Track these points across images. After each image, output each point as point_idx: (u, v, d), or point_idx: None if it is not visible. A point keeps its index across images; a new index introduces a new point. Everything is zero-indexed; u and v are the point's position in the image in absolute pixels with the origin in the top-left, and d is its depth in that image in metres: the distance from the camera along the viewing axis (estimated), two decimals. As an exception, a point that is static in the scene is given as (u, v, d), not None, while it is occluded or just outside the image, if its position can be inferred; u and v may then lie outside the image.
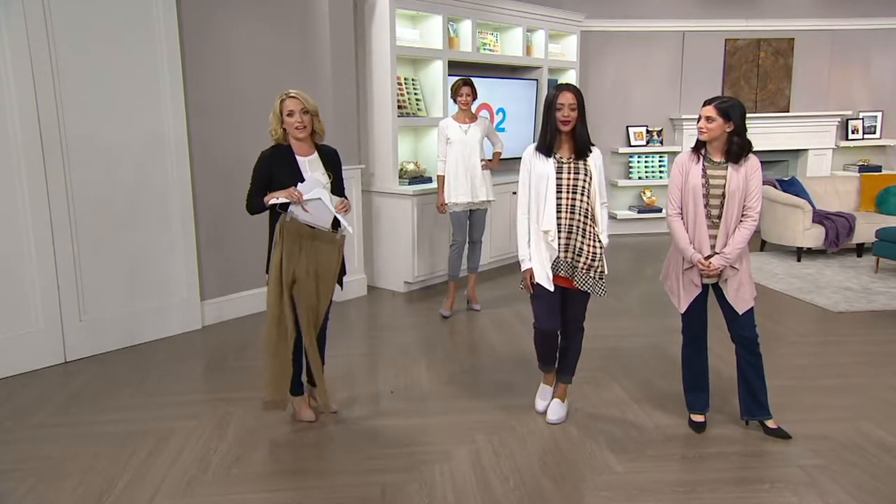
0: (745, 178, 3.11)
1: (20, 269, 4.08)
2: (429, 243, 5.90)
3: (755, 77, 8.49)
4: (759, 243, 7.45)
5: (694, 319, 3.29)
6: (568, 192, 3.19)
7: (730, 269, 3.17)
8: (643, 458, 3.10)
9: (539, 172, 3.23)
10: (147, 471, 3.00)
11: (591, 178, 3.19)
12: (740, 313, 3.20)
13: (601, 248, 3.24)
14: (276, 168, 3.28)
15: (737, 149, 3.11)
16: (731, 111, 3.07)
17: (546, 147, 3.22)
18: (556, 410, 3.47)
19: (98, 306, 4.42)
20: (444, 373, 4.12)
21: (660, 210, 8.53)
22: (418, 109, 6.18)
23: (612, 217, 8.46)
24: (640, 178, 8.50)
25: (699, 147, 3.20)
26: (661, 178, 8.53)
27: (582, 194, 3.18)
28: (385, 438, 3.32)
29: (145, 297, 4.66)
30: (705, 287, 3.26)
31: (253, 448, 3.21)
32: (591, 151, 3.23)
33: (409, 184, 5.90)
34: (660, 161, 8.52)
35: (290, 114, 3.23)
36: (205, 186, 4.92)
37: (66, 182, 4.19)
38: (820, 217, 6.93)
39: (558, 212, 3.19)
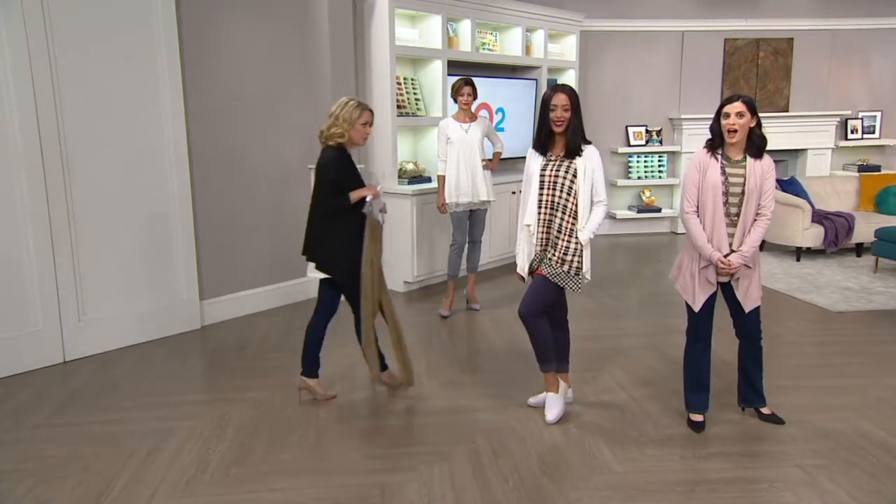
0: (762, 176, 3.15)
1: (19, 270, 4.07)
2: (428, 243, 5.90)
3: (754, 77, 8.50)
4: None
5: (703, 318, 3.30)
6: (549, 189, 3.30)
7: (744, 267, 3.20)
8: (642, 458, 3.10)
9: (529, 170, 3.40)
10: (146, 471, 3.00)
11: (575, 176, 3.25)
12: (747, 311, 3.26)
13: (577, 244, 3.28)
14: (347, 168, 3.50)
15: (759, 142, 3.15)
16: (755, 106, 3.14)
17: (540, 146, 3.36)
18: (552, 407, 3.45)
19: (97, 306, 4.42)
20: (443, 373, 4.12)
21: (659, 210, 8.54)
22: (418, 109, 6.18)
23: (611, 217, 8.46)
24: (639, 177, 8.50)
25: (716, 146, 3.19)
26: (660, 177, 8.54)
27: (561, 190, 3.28)
28: (384, 438, 3.32)
29: (144, 296, 4.65)
30: (716, 285, 3.28)
31: (252, 448, 3.21)
32: (582, 151, 3.29)
33: (409, 183, 5.89)
34: (659, 161, 8.52)
35: (368, 124, 3.51)
36: (204, 186, 4.92)
37: (66, 182, 4.19)
38: (819, 217, 6.93)
39: (539, 207, 3.33)
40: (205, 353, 4.51)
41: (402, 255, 5.84)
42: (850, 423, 3.41)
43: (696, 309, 3.26)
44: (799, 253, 6.96)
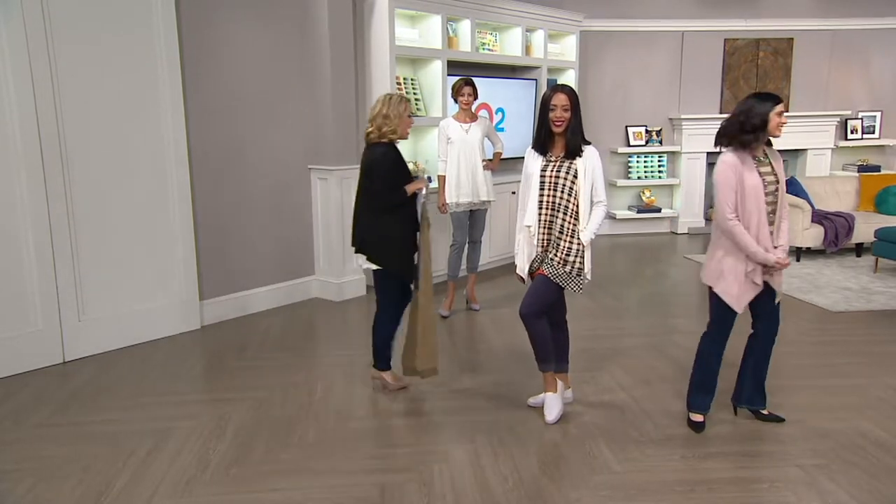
0: (782, 167, 3.22)
1: (19, 270, 4.07)
2: (428, 243, 5.89)
3: (754, 77, 8.50)
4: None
5: (732, 322, 3.29)
6: (550, 190, 3.30)
7: None
8: (642, 458, 3.10)
9: (528, 171, 3.39)
10: (146, 471, 3.00)
11: (576, 177, 3.25)
12: (777, 301, 3.30)
13: (579, 244, 3.27)
14: (401, 163, 3.67)
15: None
16: None
17: (540, 146, 3.35)
18: (551, 407, 3.44)
19: (97, 306, 4.42)
20: (442, 372, 4.11)
21: (659, 210, 8.54)
22: (417, 109, 6.18)
23: (611, 217, 8.45)
24: (639, 177, 8.50)
25: (757, 144, 3.14)
26: (660, 178, 8.54)
27: (562, 191, 3.27)
28: (384, 438, 3.32)
29: (144, 297, 4.65)
30: None
31: (251, 448, 3.21)
32: (582, 152, 3.29)
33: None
34: (659, 161, 8.52)
35: (411, 116, 3.67)
36: (204, 186, 4.92)
37: (65, 182, 4.19)
38: (819, 217, 6.93)
39: (540, 208, 3.32)
40: (205, 354, 4.51)
41: (401, 255, 5.83)
42: (850, 423, 3.41)
43: (741, 311, 3.24)
44: (799, 253, 6.97)
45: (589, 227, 3.30)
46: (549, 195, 3.30)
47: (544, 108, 3.27)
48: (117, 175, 4.44)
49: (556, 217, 3.30)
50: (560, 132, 3.27)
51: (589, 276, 3.36)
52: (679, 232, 8.59)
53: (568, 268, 3.28)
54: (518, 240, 3.45)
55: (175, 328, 4.83)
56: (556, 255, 3.30)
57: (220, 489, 2.87)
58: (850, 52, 8.63)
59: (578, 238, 3.28)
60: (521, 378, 3.98)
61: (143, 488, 2.86)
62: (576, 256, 3.28)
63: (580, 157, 3.28)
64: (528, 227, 3.34)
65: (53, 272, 4.19)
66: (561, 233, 3.29)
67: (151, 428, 3.40)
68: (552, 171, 3.29)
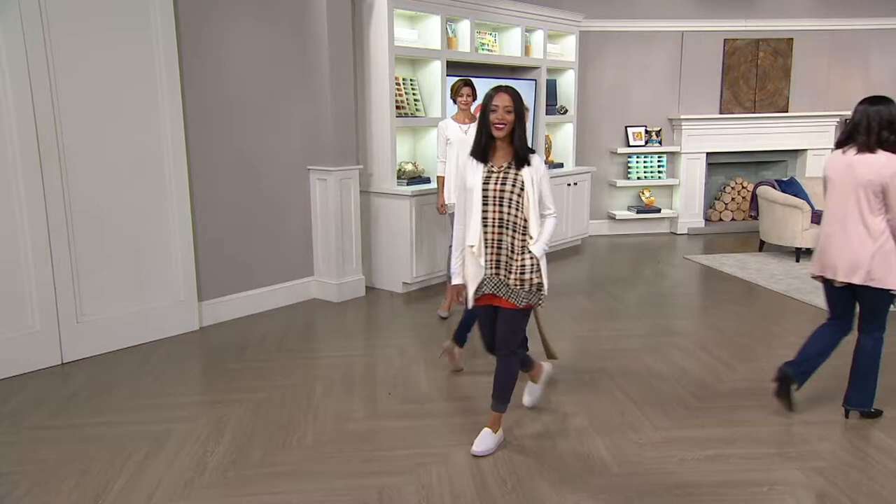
0: None
1: (17, 271, 4.06)
2: (427, 244, 5.89)
3: (754, 77, 8.49)
4: (758, 244, 7.45)
5: None
6: (495, 205, 3.00)
7: None
8: (641, 461, 3.09)
9: (468, 183, 3.06)
10: (143, 473, 3.00)
11: (522, 190, 2.98)
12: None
13: (532, 259, 3.02)
14: None
15: None
16: None
17: (480, 152, 3.05)
18: (482, 440, 3.16)
19: (95, 307, 4.41)
20: (441, 374, 4.12)
21: (659, 210, 8.53)
22: (416, 110, 6.17)
23: (611, 217, 8.46)
24: (638, 178, 8.50)
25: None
26: (659, 178, 8.53)
27: (510, 206, 2.99)
28: (382, 440, 3.31)
29: (143, 298, 4.65)
30: None
31: (250, 450, 3.20)
32: (529, 161, 3.02)
33: (408, 184, 5.89)
34: (658, 161, 8.52)
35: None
36: (202, 186, 4.92)
37: (63, 183, 4.18)
38: (819, 217, 6.92)
39: (484, 226, 3.02)
40: (203, 355, 4.50)
41: (400, 255, 5.84)
42: (850, 426, 3.40)
43: None
44: (798, 254, 6.96)
45: (541, 238, 3.03)
46: (494, 211, 2.99)
47: (485, 110, 2.98)
48: (115, 175, 4.43)
49: (505, 235, 3.01)
50: (501, 136, 2.98)
51: (545, 292, 3.11)
52: (679, 232, 8.59)
53: (527, 286, 3.02)
54: (458, 257, 3.13)
55: (174, 329, 4.82)
56: (510, 277, 3.02)
57: (218, 492, 2.86)
58: (850, 53, 8.63)
59: (531, 253, 3.02)
60: (519, 379, 3.96)
61: (140, 491, 2.86)
62: (531, 273, 3.01)
63: (528, 165, 3.00)
64: (472, 247, 3.02)
65: (51, 273, 4.18)
66: (512, 252, 3.01)
67: (149, 430, 3.39)
68: (496, 184, 2.99)
